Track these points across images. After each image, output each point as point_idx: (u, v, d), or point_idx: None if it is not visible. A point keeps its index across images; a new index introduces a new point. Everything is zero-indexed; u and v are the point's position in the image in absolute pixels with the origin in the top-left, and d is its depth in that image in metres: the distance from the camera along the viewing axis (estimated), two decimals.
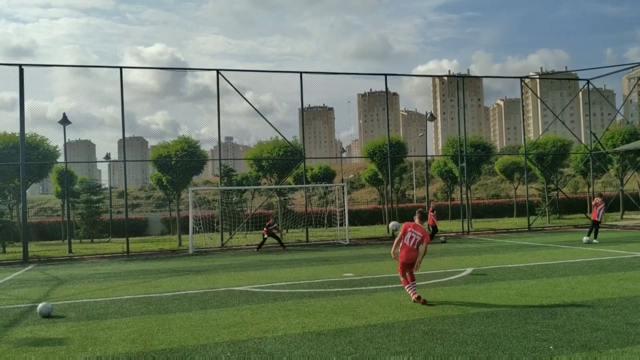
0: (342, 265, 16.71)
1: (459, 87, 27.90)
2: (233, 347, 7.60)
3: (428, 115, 30.77)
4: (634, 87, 78.19)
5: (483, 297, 10.55)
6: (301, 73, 24.64)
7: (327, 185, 33.98)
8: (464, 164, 28.03)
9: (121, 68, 22.55)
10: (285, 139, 26.65)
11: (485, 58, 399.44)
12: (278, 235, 24.00)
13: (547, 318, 8.66)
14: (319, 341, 7.77)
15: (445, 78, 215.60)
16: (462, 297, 10.61)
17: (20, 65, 21.40)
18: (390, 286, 12.28)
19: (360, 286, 12.48)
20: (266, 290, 12.50)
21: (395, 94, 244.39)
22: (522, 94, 29.67)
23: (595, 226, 21.31)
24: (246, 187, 31.46)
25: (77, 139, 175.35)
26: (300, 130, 24.68)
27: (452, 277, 13.26)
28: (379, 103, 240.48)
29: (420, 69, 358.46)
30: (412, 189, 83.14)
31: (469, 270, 14.46)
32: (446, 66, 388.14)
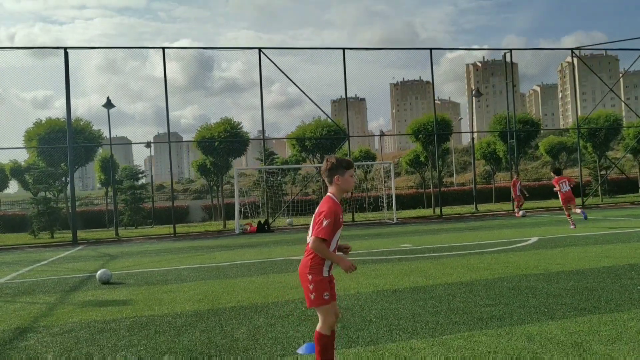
0: (397, 239, 16.15)
1: (505, 62, 26.88)
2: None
3: (474, 92, 29.82)
4: None
5: (561, 260, 9.87)
6: (344, 49, 24.08)
7: (372, 163, 33.28)
8: (513, 141, 26.99)
9: (164, 48, 22.39)
10: (328, 116, 26.12)
11: (518, 43, 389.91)
12: None
13: None
14: (396, 297, 7.27)
15: (479, 64, 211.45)
16: (538, 261, 9.95)
17: (65, 49, 21.45)
18: (455, 253, 11.70)
19: (424, 253, 11.93)
20: None
21: (428, 82, 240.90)
22: (574, 67, 28.37)
23: None
24: (289, 166, 31.10)
25: (115, 136, 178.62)
26: (345, 110, 24.06)
27: (519, 245, 12.58)
28: (411, 92, 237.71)
29: (449, 57, 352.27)
30: (451, 175, 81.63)
31: (534, 239, 13.73)
32: (477, 53, 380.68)
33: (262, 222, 22.88)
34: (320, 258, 4.25)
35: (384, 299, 7.22)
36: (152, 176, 39.19)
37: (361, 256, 12.04)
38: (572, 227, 15.85)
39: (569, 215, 16.41)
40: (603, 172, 34.19)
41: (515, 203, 24.39)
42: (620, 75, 32.38)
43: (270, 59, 23.31)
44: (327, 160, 4.38)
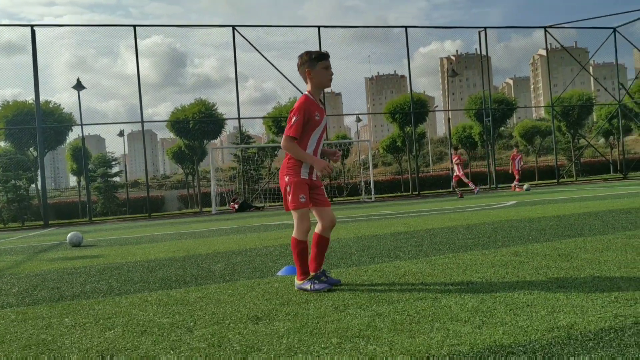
0: (376, 209, 16.01)
1: (480, 40, 26.97)
2: (285, 247, 6.95)
3: (449, 72, 29.90)
4: None
5: (541, 211, 9.83)
6: (319, 27, 23.87)
7: (351, 141, 33.08)
8: (489, 119, 27.07)
9: (134, 26, 21.86)
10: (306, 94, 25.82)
11: (489, 36, 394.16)
12: None
13: (631, 213, 7.90)
14: (377, 239, 7.11)
15: (453, 57, 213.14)
16: (518, 212, 9.90)
17: (31, 26, 20.82)
18: (435, 213, 11.61)
19: (403, 215, 11.81)
20: None
21: (403, 76, 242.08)
22: (546, 45, 28.62)
23: None
24: (266, 145, 30.74)
25: (87, 134, 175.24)
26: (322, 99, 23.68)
27: (498, 206, 12.54)
28: (387, 86, 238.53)
29: (422, 51, 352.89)
30: (427, 165, 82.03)
31: (512, 202, 13.72)
32: (449, 47, 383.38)
33: (245, 200, 22.70)
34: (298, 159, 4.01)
35: (365, 241, 7.06)
36: (125, 165, 38.42)
37: (342, 220, 11.86)
38: (476, 192, 20.96)
39: (470, 182, 20.97)
40: (576, 152, 34.61)
41: (516, 178, 24.04)
42: (590, 59, 32.77)
43: (244, 37, 22.97)
44: (299, 57, 4.09)
